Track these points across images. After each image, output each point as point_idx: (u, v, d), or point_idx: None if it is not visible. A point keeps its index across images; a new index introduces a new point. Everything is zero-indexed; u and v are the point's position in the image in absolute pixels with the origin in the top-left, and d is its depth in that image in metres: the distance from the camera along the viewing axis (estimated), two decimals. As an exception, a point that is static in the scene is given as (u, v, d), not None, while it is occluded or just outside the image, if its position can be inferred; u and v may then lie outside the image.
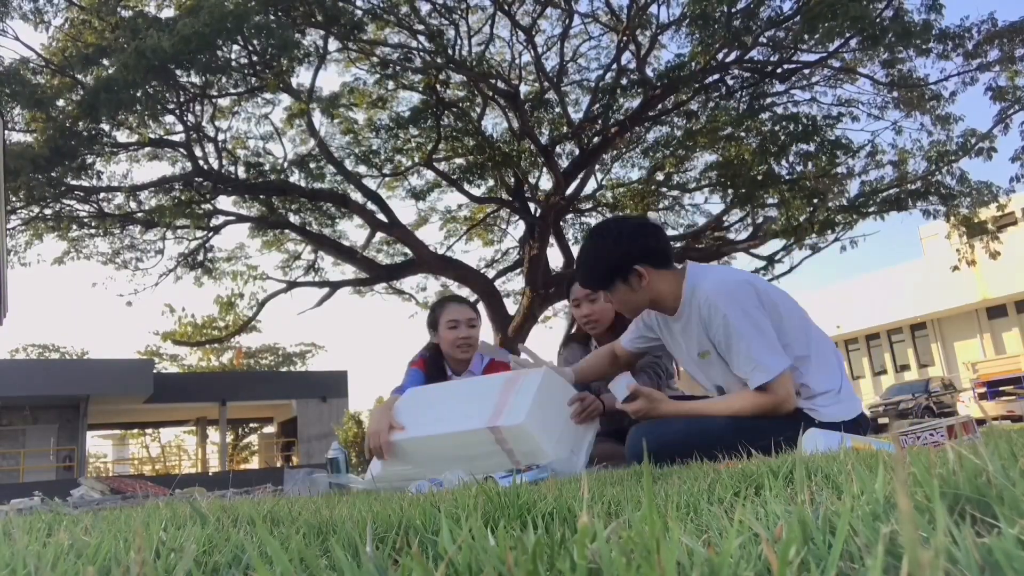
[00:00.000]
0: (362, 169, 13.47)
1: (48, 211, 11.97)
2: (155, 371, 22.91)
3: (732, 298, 2.16)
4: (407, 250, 13.92)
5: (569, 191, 13.07)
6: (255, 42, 10.10)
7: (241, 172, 12.99)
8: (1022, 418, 14.59)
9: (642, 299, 2.30)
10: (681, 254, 13.07)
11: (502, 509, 0.88)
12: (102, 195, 12.25)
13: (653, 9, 11.84)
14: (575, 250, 14.09)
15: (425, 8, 11.86)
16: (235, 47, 10.39)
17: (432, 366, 3.00)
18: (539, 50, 12.64)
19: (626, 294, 2.28)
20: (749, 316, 2.14)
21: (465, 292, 15.29)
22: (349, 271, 14.47)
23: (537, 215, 13.14)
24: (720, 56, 11.58)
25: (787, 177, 12.17)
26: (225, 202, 15.60)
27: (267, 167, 13.26)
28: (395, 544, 0.76)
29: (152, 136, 11.89)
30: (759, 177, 12.09)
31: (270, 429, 30.10)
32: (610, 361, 2.61)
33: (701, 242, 13.60)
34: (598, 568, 0.45)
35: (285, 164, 13.18)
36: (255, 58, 10.57)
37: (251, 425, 32.75)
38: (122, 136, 11.70)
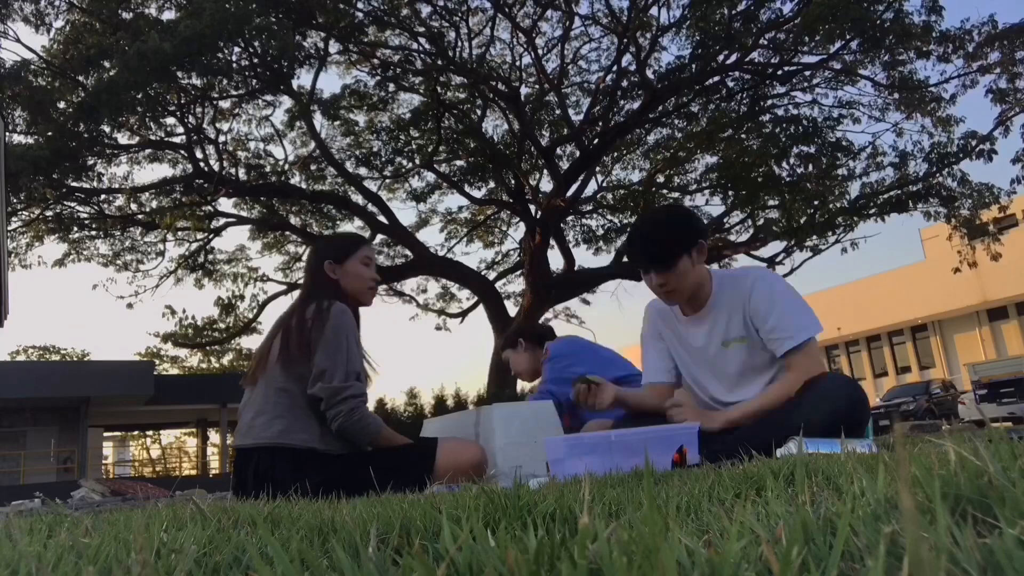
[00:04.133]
0: (363, 171, 13.49)
1: (49, 213, 11.98)
2: (156, 373, 22.90)
3: (775, 277, 2.41)
4: (408, 252, 13.92)
5: (569, 193, 13.08)
6: (256, 44, 10.12)
7: (242, 174, 13.01)
8: (1022, 420, 14.58)
9: (696, 279, 2.34)
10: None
11: (503, 510, 0.88)
12: (103, 197, 12.27)
13: (653, 11, 11.87)
14: (576, 252, 14.17)
15: (426, 10, 11.89)
16: (236, 49, 10.41)
17: None
18: (540, 52, 12.67)
19: (688, 269, 2.30)
20: (791, 290, 2.34)
21: (465, 294, 15.32)
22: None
23: (538, 217, 13.14)
24: (720, 58, 11.59)
25: (788, 179, 12.18)
26: (226, 204, 15.65)
27: (268, 169, 13.27)
28: (396, 545, 0.76)
29: (153, 138, 11.91)
30: (760, 179, 12.09)
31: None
32: (653, 399, 2.49)
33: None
34: (599, 569, 0.45)
35: (286, 166, 13.21)
36: (256, 60, 10.58)
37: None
38: (123, 138, 11.72)
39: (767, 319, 2.26)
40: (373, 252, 2.80)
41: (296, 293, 14.12)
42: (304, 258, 2.70)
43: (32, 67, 10.42)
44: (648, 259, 2.34)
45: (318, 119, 12.39)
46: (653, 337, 2.53)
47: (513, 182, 13.59)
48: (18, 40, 11.39)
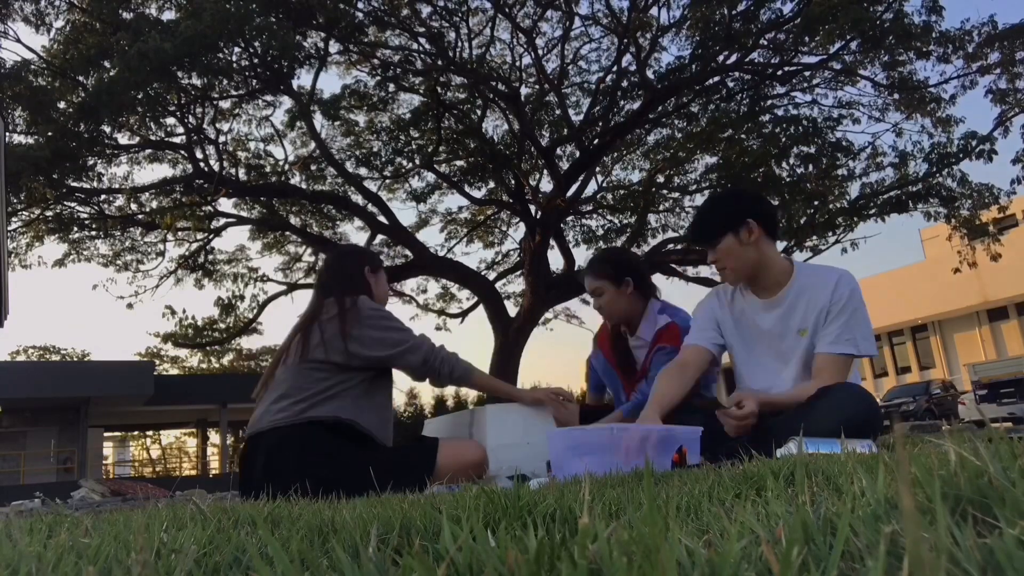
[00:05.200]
0: (363, 171, 13.49)
1: (49, 213, 11.98)
2: (156, 373, 22.94)
3: (857, 283, 2.37)
4: (408, 252, 13.92)
5: (570, 193, 13.08)
6: (256, 44, 10.12)
7: (242, 174, 13.00)
8: (1022, 420, 14.58)
9: (750, 257, 2.35)
10: (682, 256, 13.09)
11: (503, 510, 0.88)
12: (103, 197, 12.26)
13: (653, 11, 11.87)
14: (576, 252, 14.14)
15: (426, 11, 11.89)
16: (236, 49, 10.41)
17: (615, 337, 3.16)
18: (540, 52, 12.66)
19: (734, 248, 2.34)
20: (865, 307, 2.33)
21: (465, 294, 15.32)
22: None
23: (538, 217, 13.15)
24: (720, 58, 11.59)
25: (788, 179, 12.18)
26: (226, 204, 15.63)
27: (268, 169, 13.27)
28: (396, 545, 0.76)
29: (153, 138, 11.91)
30: (760, 179, 12.09)
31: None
32: (682, 375, 2.45)
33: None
34: (599, 569, 0.45)
35: (286, 166, 13.20)
36: (256, 60, 10.58)
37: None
38: (123, 138, 11.72)
39: (841, 316, 2.27)
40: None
41: (296, 293, 14.11)
42: (329, 260, 2.68)
43: (32, 67, 10.42)
44: (692, 234, 2.53)
45: (318, 119, 12.39)
46: (707, 309, 2.56)
47: (513, 182, 13.59)
48: (18, 40, 11.40)
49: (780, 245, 10.68)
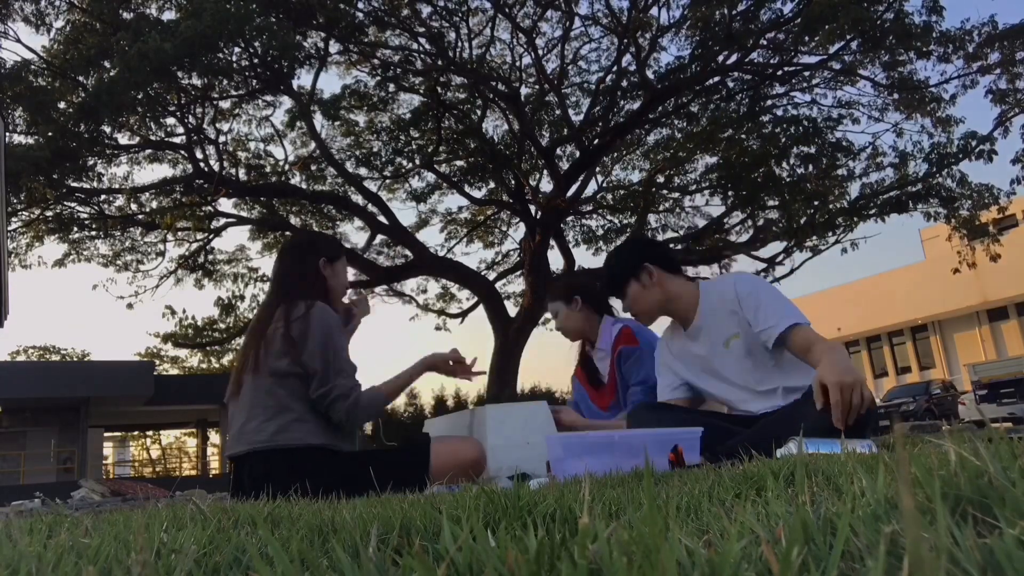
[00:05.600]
0: (363, 171, 13.49)
1: (49, 213, 11.97)
2: (156, 373, 22.92)
3: (754, 276, 2.53)
4: (408, 252, 13.92)
5: (570, 193, 13.08)
6: (256, 44, 10.12)
7: (242, 174, 13.00)
8: (1022, 421, 14.58)
9: (655, 298, 2.51)
10: (682, 256, 13.09)
11: (503, 510, 0.88)
12: (103, 197, 12.26)
13: (653, 11, 11.87)
14: (576, 252, 14.17)
15: (426, 11, 11.89)
16: (236, 49, 10.41)
17: (583, 358, 3.29)
18: (540, 52, 12.66)
19: (639, 293, 2.52)
20: (772, 287, 2.47)
21: (465, 294, 15.32)
22: (349, 273, 14.44)
23: (538, 217, 13.15)
24: (720, 58, 11.59)
25: (788, 179, 12.18)
26: (226, 204, 15.64)
27: (268, 169, 13.27)
28: (396, 545, 0.76)
29: (153, 138, 11.91)
30: (760, 179, 12.09)
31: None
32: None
33: (702, 244, 13.60)
34: (599, 569, 0.45)
35: (286, 166, 13.20)
36: (256, 60, 10.58)
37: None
38: (123, 138, 11.72)
39: (755, 311, 2.33)
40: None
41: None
42: (283, 255, 2.54)
43: (32, 67, 10.42)
44: (606, 289, 2.76)
45: (318, 119, 12.39)
46: (659, 364, 2.68)
47: (513, 182, 13.59)
48: (18, 40, 11.39)
49: (779, 246, 10.44)
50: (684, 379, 2.58)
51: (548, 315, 14.80)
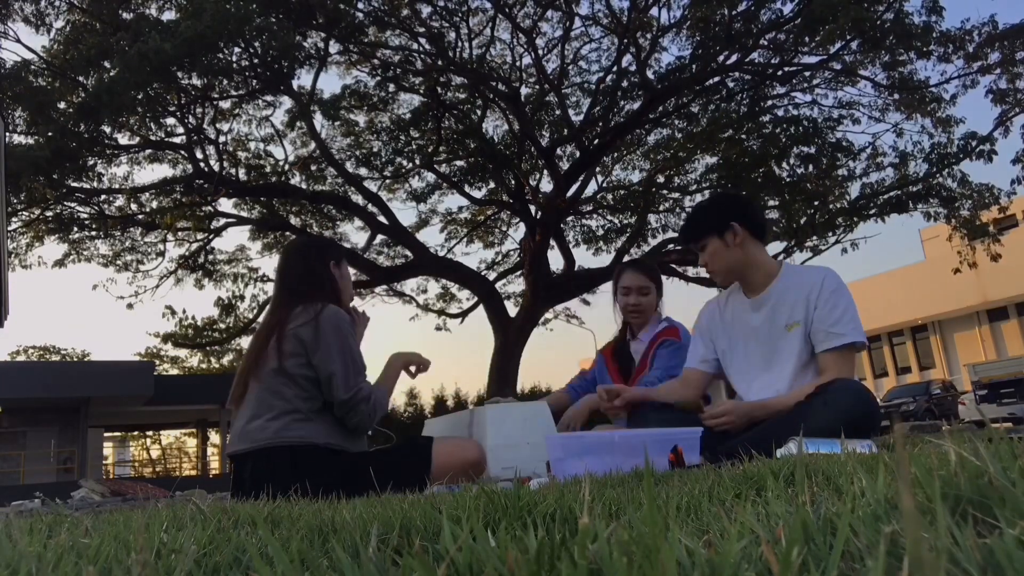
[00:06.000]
0: (363, 171, 13.49)
1: (49, 213, 11.98)
2: (156, 373, 22.92)
3: (842, 280, 2.43)
4: (408, 252, 13.92)
5: (570, 193, 13.08)
6: (256, 44, 10.12)
7: (242, 174, 13.00)
8: (1022, 421, 14.57)
9: (735, 258, 2.47)
10: (682, 256, 13.09)
11: (503, 510, 0.88)
12: (103, 197, 12.26)
13: (654, 11, 11.87)
14: (576, 252, 14.17)
15: (426, 11, 11.89)
16: (236, 49, 10.41)
17: (619, 343, 3.24)
18: (540, 52, 12.66)
19: (719, 250, 2.47)
20: (852, 297, 2.37)
21: (465, 294, 15.32)
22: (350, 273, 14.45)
23: (538, 217, 13.14)
24: (721, 59, 11.59)
25: (788, 179, 12.18)
26: (226, 204, 15.64)
27: (268, 169, 13.27)
28: (396, 545, 0.76)
29: (153, 138, 11.91)
30: (760, 179, 12.09)
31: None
32: (684, 388, 2.62)
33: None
34: (599, 569, 0.45)
35: (286, 166, 13.20)
36: (256, 60, 10.58)
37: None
38: (123, 138, 11.73)
39: (832, 309, 2.32)
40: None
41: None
42: (292, 256, 2.50)
43: (32, 67, 10.42)
44: (681, 236, 2.78)
45: (318, 119, 12.39)
46: (701, 331, 2.67)
47: (513, 182, 13.59)
48: (18, 40, 11.41)
49: (780, 246, 10.42)
50: (716, 355, 2.59)
51: (548, 315, 14.84)
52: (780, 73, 11.98)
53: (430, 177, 14.07)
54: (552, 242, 13.31)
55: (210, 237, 13.55)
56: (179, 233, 13.19)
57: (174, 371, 29.88)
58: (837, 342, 2.27)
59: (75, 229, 12.44)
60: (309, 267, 2.50)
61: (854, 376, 2.30)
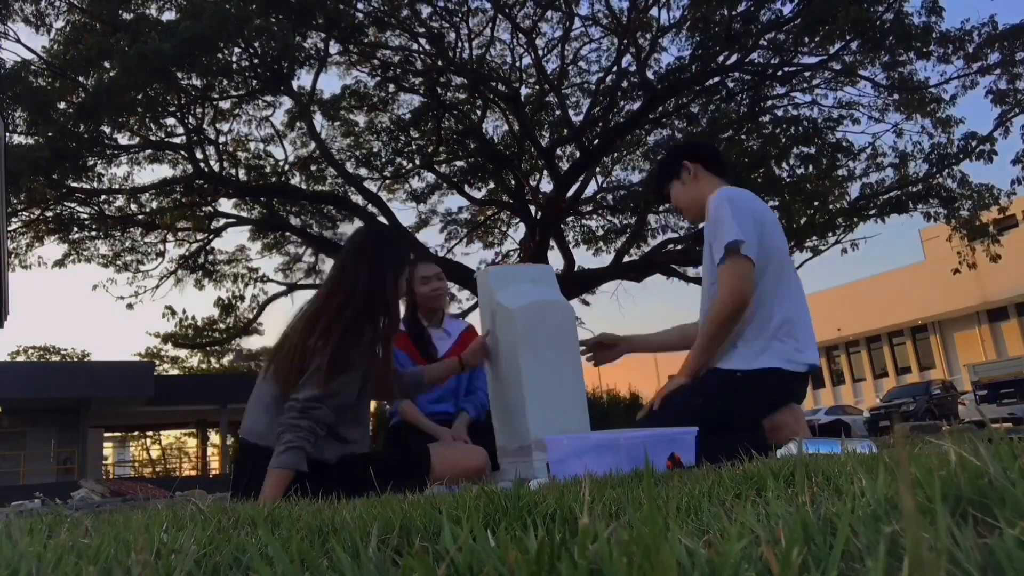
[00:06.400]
0: (363, 171, 13.49)
1: (49, 213, 11.98)
2: (156, 373, 22.92)
3: (726, 191, 2.43)
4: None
5: (570, 193, 13.08)
6: (256, 45, 10.12)
7: (242, 174, 13.00)
8: (1022, 421, 14.58)
9: (693, 195, 2.55)
10: (682, 256, 13.09)
11: (503, 511, 0.88)
12: (103, 197, 12.26)
13: (654, 12, 11.87)
14: (576, 252, 14.17)
15: (426, 11, 11.89)
16: (236, 50, 10.41)
17: (412, 331, 3.24)
18: (540, 53, 12.66)
19: (678, 190, 2.59)
20: (733, 203, 2.36)
21: (466, 294, 15.31)
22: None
23: (538, 217, 13.14)
24: (720, 59, 11.59)
25: (788, 179, 12.18)
26: (226, 204, 15.62)
27: (268, 169, 13.27)
28: (396, 545, 0.76)
29: (153, 138, 11.91)
30: (759, 180, 12.09)
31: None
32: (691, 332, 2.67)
33: (702, 244, 13.58)
34: (599, 569, 0.45)
35: (286, 167, 13.21)
36: (256, 61, 10.59)
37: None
38: (123, 138, 11.73)
39: (711, 232, 2.38)
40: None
41: (296, 293, 14.12)
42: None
43: (32, 68, 10.42)
44: (650, 190, 2.87)
45: (318, 120, 12.40)
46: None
47: (513, 183, 13.59)
48: (18, 40, 11.41)
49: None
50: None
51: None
52: (780, 73, 11.98)
53: (430, 177, 14.07)
54: (552, 242, 13.31)
55: (210, 237, 13.55)
56: (179, 233, 13.19)
57: (174, 371, 29.90)
58: (718, 256, 2.32)
59: (75, 229, 12.45)
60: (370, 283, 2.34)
61: (740, 280, 2.28)
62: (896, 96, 11.87)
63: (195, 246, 13.57)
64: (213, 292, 16.80)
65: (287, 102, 12.40)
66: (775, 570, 0.43)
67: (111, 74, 9.61)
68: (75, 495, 5.31)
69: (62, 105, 10.42)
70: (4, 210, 9.01)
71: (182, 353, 27.37)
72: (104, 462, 28.47)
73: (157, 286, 13.27)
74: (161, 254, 13.35)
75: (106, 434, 28.34)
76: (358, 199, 13.26)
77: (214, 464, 28.38)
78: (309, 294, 15.60)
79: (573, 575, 0.43)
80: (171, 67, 9.34)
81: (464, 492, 1.11)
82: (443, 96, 12.74)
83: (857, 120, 12.29)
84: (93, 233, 12.72)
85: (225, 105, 12.27)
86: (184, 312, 13.45)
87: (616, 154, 14.00)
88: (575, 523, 0.78)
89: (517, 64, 12.93)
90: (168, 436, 35.77)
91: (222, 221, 13.36)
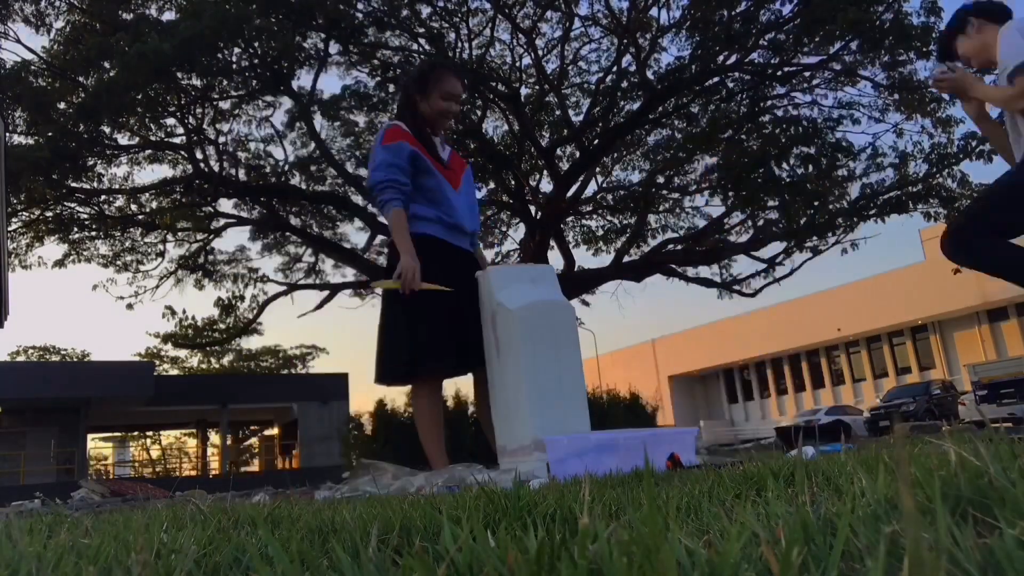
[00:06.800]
0: (363, 172, 13.48)
1: (49, 213, 11.98)
2: (156, 373, 22.93)
3: (1020, 24, 2.78)
4: (408, 252, 13.88)
5: (570, 193, 13.08)
6: (256, 45, 10.12)
7: (242, 175, 13.01)
8: (1022, 421, 14.57)
9: (980, 43, 2.93)
10: (682, 256, 13.09)
11: (503, 510, 0.88)
12: (103, 198, 12.26)
13: (653, 12, 11.87)
14: (576, 252, 14.17)
15: (426, 11, 11.89)
16: (236, 50, 10.41)
17: (419, 136, 3.15)
18: (539, 53, 12.66)
19: (967, 45, 2.96)
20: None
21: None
22: (350, 273, 14.47)
23: (538, 217, 13.14)
24: (720, 59, 11.60)
25: (788, 180, 12.18)
26: (226, 205, 15.62)
27: (268, 170, 13.27)
28: (396, 545, 0.76)
29: (153, 138, 11.91)
30: (760, 180, 12.09)
31: (271, 431, 30.14)
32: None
33: (702, 245, 13.60)
34: (599, 569, 0.45)
35: (286, 167, 13.20)
36: (256, 61, 10.59)
37: (252, 428, 32.78)
38: (123, 139, 11.73)
39: (1004, 52, 2.74)
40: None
41: (296, 293, 14.11)
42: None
43: (32, 68, 10.42)
44: (938, 55, 3.20)
45: (318, 120, 12.39)
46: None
47: (513, 183, 13.58)
48: (18, 41, 11.41)
49: (780, 246, 10.41)
50: None
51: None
52: (780, 73, 11.98)
53: (430, 177, 14.03)
54: (552, 242, 13.31)
55: (210, 237, 13.55)
56: (179, 233, 13.19)
57: (174, 371, 29.92)
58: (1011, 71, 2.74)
59: (75, 229, 12.45)
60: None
61: None
62: (896, 96, 11.87)
63: (195, 246, 13.58)
64: (213, 292, 16.82)
65: (287, 102, 12.41)
66: (775, 570, 0.43)
67: (111, 74, 9.61)
68: (75, 495, 5.31)
69: (62, 105, 10.42)
70: (4, 210, 9.01)
71: (182, 353, 27.44)
72: (104, 462, 28.48)
73: (157, 286, 13.28)
74: (161, 254, 13.36)
75: (106, 434, 28.36)
76: (358, 199, 13.26)
77: (214, 464, 28.39)
78: (309, 294, 15.52)
79: (573, 575, 0.43)
80: (171, 67, 9.34)
81: (464, 492, 1.11)
82: (443, 96, 12.72)
83: (857, 120, 12.29)
84: (93, 233, 12.72)
85: (225, 105, 12.27)
86: (184, 312, 13.46)
87: (616, 154, 14.00)
88: (575, 523, 0.78)
89: (517, 64, 12.93)
90: (168, 436, 35.80)
91: (222, 221, 13.36)
